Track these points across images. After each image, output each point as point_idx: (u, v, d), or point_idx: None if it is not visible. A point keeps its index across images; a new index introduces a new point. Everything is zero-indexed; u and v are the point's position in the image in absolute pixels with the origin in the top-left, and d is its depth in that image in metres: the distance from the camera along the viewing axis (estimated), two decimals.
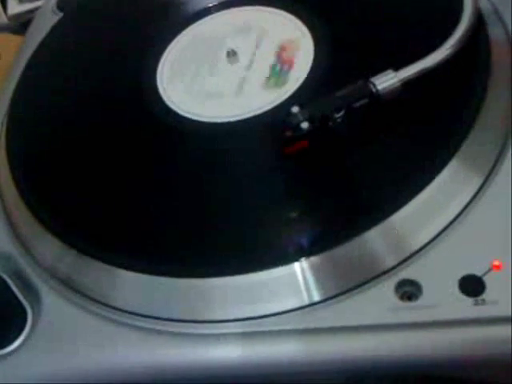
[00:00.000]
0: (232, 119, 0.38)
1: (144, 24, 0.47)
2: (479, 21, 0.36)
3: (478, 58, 0.36)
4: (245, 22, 0.44)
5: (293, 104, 0.34)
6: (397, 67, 0.34)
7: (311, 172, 0.35)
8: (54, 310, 0.34)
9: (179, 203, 0.36)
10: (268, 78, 0.39)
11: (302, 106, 0.33)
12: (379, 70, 0.34)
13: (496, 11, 0.39)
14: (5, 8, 0.63)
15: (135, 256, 0.34)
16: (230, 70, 0.41)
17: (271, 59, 0.41)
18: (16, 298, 0.35)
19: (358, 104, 0.33)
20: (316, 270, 0.31)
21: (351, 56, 0.39)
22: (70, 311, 0.34)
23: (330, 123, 0.33)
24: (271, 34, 0.42)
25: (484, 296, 0.29)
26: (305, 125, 0.33)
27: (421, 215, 0.32)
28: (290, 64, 0.39)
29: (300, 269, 0.31)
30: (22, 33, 0.56)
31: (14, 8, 0.62)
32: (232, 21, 0.45)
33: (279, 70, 0.39)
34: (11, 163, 0.40)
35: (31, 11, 0.61)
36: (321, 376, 0.31)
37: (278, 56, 0.40)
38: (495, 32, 0.37)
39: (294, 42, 0.41)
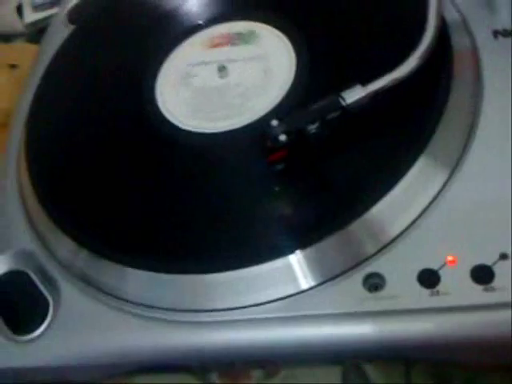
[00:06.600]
0: (225, 129, 0.41)
1: (151, 36, 0.48)
2: (442, 33, 0.37)
3: (441, 68, 0.37)
4: (234, 36, 0.45)
5: (273, 117, 0.36)
6: (368, 79, 0.36)
7: (294, 177, 0.37)
8: (71, 300, 0.37)
9: (181, 210, 0.39)
10: None
11: (280, 119, 0.36)
12: (351, 83, 0.36)
13: (464, 21, 0.40)
14: (21, 16, 0.63)
15: (140, 255, 0.37)
16: (220, 85, 0.44)
17: (256, 72, 0.43)
18: (39, 290, 0.38)
19: (330, 116, 0.35)
20: (305, 263, 0.35)
21: (329, 71, 0.41)
22: (86, 302, 0.37)
23: (306, 134, 0.36)
24: (258, 48, 0.44)
25: (438, 287, 0.32)
26: (282, 137, 0.35)
27: (392, 210, 0.35)
28: None
29: (295, 261, 0.35)
30: (38, 41, 0.56)
31: (30, 16, 0.61)
32: (223, 35, 0.46)
33: None
34: (31, 171, 0.43)
35: (46, 18, 0.61)
36: (302, 357, 0.35)
37: None
38: (460, 41, 0.39)
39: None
